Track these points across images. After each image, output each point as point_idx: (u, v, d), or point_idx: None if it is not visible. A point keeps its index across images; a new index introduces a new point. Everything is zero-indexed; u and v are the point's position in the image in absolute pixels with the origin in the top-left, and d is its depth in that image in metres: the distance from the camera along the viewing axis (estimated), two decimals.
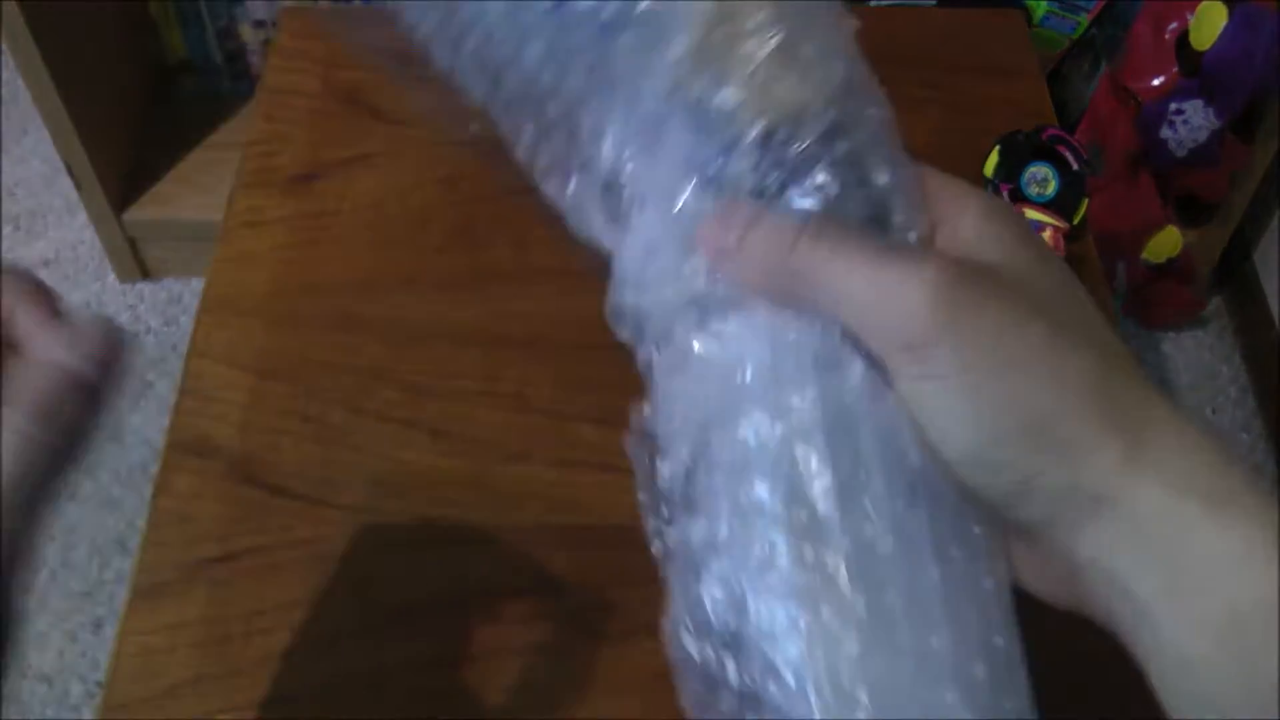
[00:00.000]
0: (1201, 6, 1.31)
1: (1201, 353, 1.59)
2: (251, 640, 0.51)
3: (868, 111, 0.33)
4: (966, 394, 0.28)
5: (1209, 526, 0.26)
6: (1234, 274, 1.61)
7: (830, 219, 0.31)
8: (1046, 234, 0.66)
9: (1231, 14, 1.27)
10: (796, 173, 0.31)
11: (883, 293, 0.29)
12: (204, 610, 0.52)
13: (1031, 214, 0.67)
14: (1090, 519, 0.27)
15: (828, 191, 0.31)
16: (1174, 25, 1.35)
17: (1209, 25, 1.29)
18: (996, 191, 0.71)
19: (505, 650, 0.52)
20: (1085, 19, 1.37)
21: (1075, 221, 0.70)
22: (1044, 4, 1.35)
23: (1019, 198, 0.70)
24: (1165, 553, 0.27)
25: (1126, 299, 1.57)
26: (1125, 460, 0.27)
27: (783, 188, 0.31)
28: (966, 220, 0.32)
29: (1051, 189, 0.71)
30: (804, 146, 0.31)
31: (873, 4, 1.20)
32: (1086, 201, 0.71)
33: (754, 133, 0.31)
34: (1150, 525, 0.27)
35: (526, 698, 0.50)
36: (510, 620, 0.53)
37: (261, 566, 0.53)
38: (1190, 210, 1.52)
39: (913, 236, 0.32)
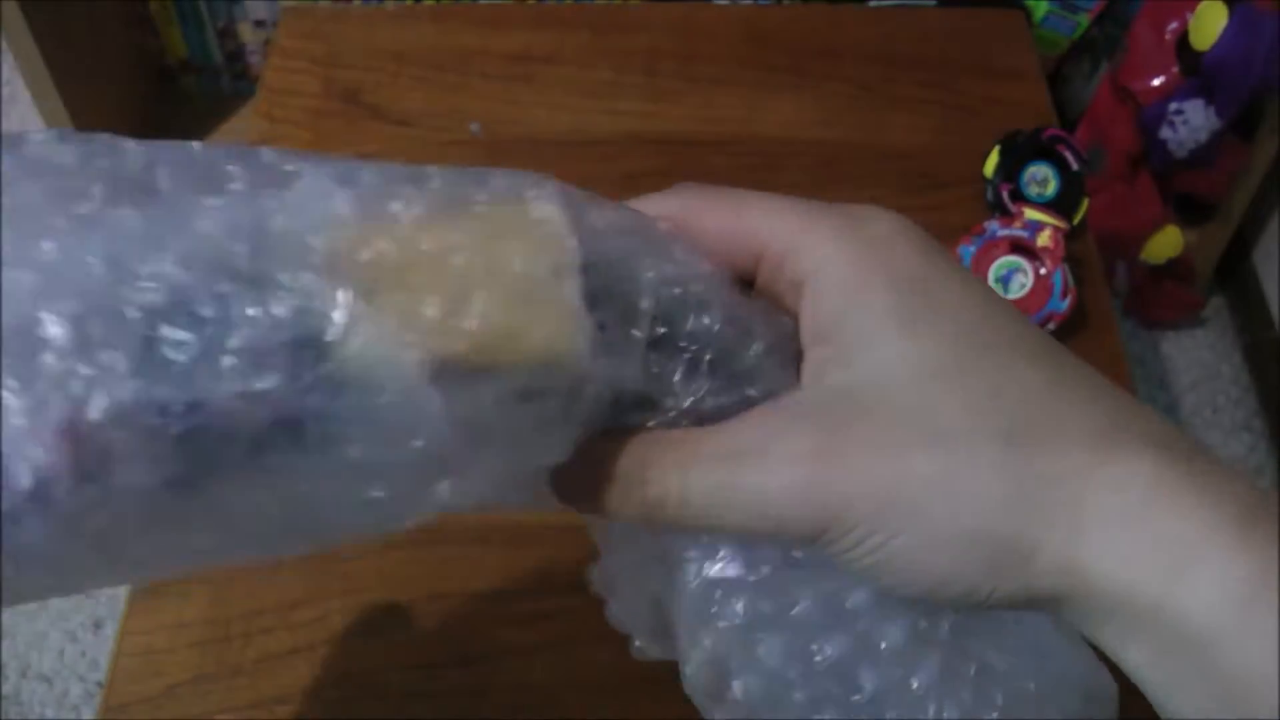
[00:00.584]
0: (1201, 6, 1.31)
1: (1201, 353, 1.59)
2: (251, 640, 0.51)
3: (647, 277, 0.27)
4: (892, 561, 0.26)
5: (1173, 599, 0.24)
6: (1234, 274, 1.61)
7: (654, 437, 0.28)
8: (1046, 234, 0.66)
9: (1231, 14, 1.27)
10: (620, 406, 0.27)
11: (758, 510, 0.26)
12: (204, 610, 0.52)
13: (1031, 214, 0.67)
14: (1062, 606, 0.26)
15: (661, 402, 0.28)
16: (1174, 25, 1.35)
17: (1209, 25, 1.29)
18: (996, 192, 0.71)
19: (505, 650, 0.52)
20: (1085, 19, 1.37)
21: (1075, 221, 0.70)
22: (1044, 4, 1.35)
23: (1019, 198, 0.70)
24: (1139, 629, 0.25)
25: (1126, 299, 1.57)
26: (1070, 562, 0.25)
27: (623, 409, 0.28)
28: (825, 276, 0.28)
29: (1051, 189, 0.71)
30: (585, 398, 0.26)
31: (873, 4, 1.20)
32: (1086, 201, 0.71)
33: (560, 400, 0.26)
34: (1116, 611, 0.25)
35: (526, 698, 0.50)
36: (510, 620, 0.53)
37: (261, 566, 0.53)
38: (1190, 210, 1.53)
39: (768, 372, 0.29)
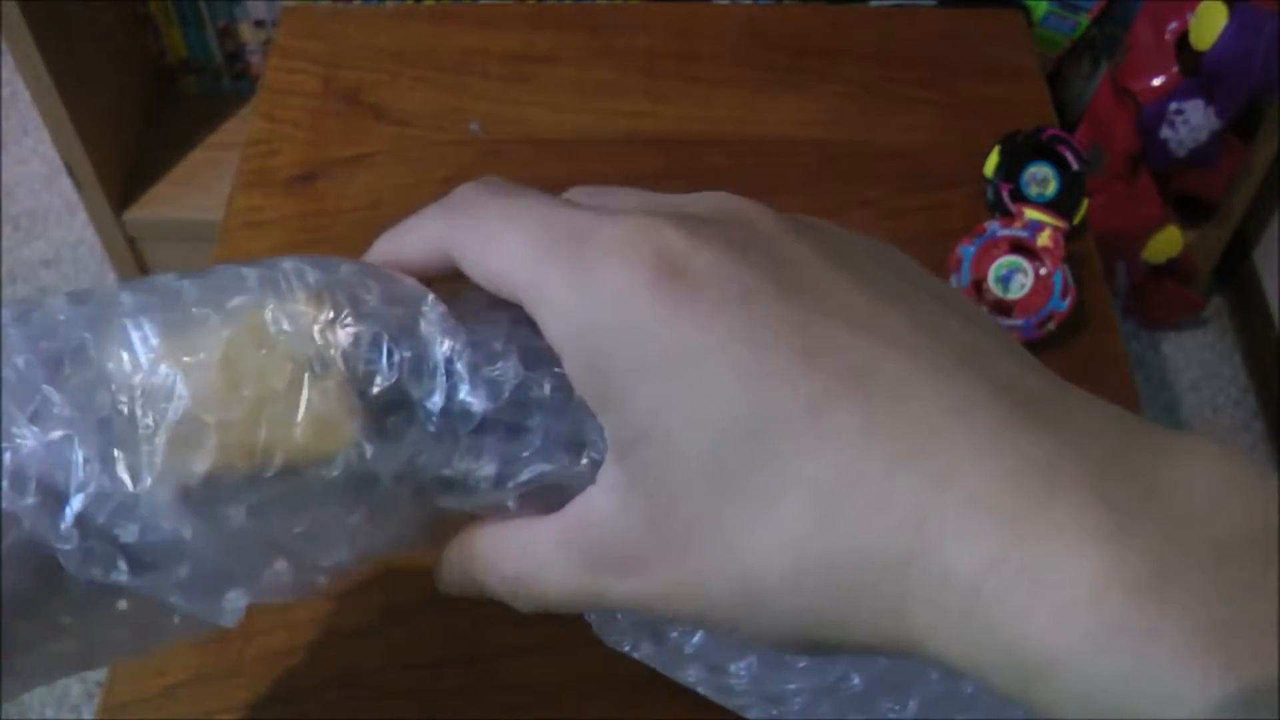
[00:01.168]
0: (1201, 6, 1.31)
1: (1201, 353, 1.59)
2: (251, 640, 0.51)
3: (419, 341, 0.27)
4: (739, 638, 0.25)
5: (1035, 700, 0.20)
6: (1234, 274, 1.61)
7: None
8: (1046, 234, 0.66)
9: (1231, 14, 1.27)
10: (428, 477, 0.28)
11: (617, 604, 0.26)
12: None
13: (1031, 214, 0.67)
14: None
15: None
16: (1174, 25, 1.35)
17: (1209, 25, 1.29)
18: (996, 192, 0.71)
19: (505, 650, 0.52)
20: (1085, 19, 1.37)
21: (1075, 221, 0.70)
22: (1044, 4, 1.35)
23: (1019, 198, 0.70)
24: (1020, 703, 0.21)
25: (1126, 299, 1.57)
26: (921, 656, 0.22)
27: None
28: (568, 358, 0.25)
29: (1051, 189, 0.71)
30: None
31: (873, 4, 1.20)
32: (1086, 201, 0.71)
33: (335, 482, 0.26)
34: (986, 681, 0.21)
35: (526, 698, 0.50)
36: (510, 620, 0.52)
37: None
38: (1190, 210, 1.53)
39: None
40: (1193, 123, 1.36)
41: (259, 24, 1.49)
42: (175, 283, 0.27)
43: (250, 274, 0.27)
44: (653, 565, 0.25)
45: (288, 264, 0.27)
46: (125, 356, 0.25)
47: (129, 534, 0.24)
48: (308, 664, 0.50)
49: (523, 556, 0.28)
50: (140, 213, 1.47)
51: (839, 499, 0.22)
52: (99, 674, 1.22)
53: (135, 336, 0.25)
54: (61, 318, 0.26)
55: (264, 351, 0.25)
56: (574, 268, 0.24)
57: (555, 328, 0.25)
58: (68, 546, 0.24)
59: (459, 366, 0.26)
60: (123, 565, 0.25)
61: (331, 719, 0.49)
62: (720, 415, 0.23)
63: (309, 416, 0.25)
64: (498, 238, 0.26)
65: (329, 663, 0.51)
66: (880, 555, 0.21)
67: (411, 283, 0.28)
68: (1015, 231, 0.67)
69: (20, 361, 0.25)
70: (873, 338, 0.23)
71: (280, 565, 0.27)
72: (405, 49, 0.76)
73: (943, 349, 0.23)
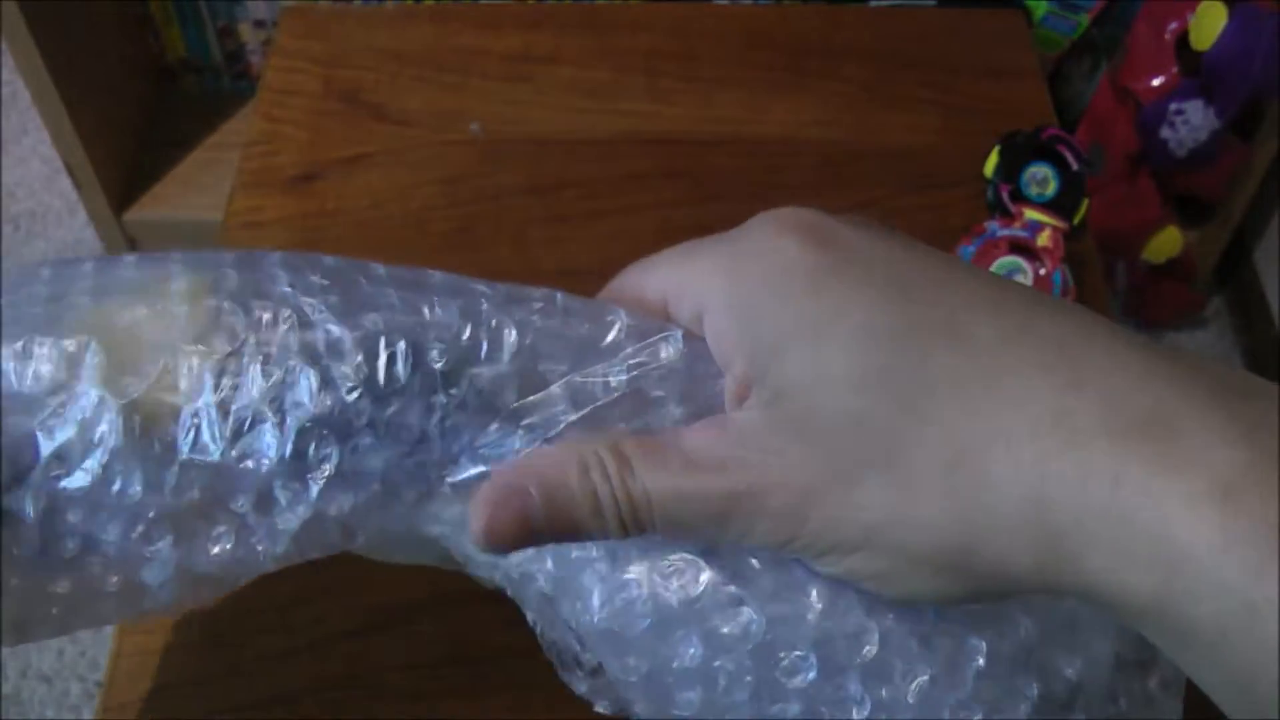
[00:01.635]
0: (1201, 6, 1.31)
1: (1201, 353, 1.59)
2: (251, 640, 0.51)
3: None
4: (853, 573, 0.26)
5: (1169, 606, 0.22)
6: (1234, 274, 1.61)
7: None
8: (1046, 234, 0.66)
9: (1231, 14, 1.27)
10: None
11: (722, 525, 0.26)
12: (202, 610, 0.52)
13: (1031, 214, 0.67)
14: (1062, 597, 0.25)
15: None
16: (1174, 25, 1.35)
17: (1209, 25, 1.29)
18: (996, 192, 0.71)
19: (504, 650, 0.52)
20: (1085, 19, 1.37)
21: (1075, 221, 0.70)
22: (1044, 4, 1.35)
23: (1019, 198, 0.70)
24: (1143, 626, 0.23)
25: (1126, 299, 1.57)
26: (1050, 574, 0.23)
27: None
28: (712, 305, 0.27)
29: (1051, 189, 0.71)
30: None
31: (873, 4, 1.20)
32: (1086, 201, 0.71)
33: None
34: (1114, 610, 0.23)
35: (526, 698, 0.50)
36: (509, 621, 0.52)
37: None
38: (1190, 210, 1.53)
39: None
40: (1193, 123, 1.36)
41: (259, 24, 1.49)
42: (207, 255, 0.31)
43: (232, 270, 0.30)
44: (799, 472, 0.25)
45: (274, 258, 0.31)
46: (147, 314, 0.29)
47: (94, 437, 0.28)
48: (308, 664, 0.50)
49: (673, 461, 0.27)
50: (140, 213, 1.47)
51: (981, 396, 0.24)
52: (99, 674, 1.22)
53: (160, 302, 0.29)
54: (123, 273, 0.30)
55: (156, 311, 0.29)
56: (723, 242, 0.27)
57: (701, 286, 0.27)
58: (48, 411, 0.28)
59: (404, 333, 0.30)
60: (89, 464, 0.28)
61: (331, 719, 0.49)
62: (867, 318, 0.25)
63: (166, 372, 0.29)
64: (650, 263, 0.30)
65: (328, 663, 0.51)
66: (1019, 454, 0.23)
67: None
68: (1015, 231, 0.67)
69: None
70: (992, 278, 0.26)
71: (221, 535, 0.30)
72: (405, 49, 0.76)
73: (1046, 298, 0.26)
